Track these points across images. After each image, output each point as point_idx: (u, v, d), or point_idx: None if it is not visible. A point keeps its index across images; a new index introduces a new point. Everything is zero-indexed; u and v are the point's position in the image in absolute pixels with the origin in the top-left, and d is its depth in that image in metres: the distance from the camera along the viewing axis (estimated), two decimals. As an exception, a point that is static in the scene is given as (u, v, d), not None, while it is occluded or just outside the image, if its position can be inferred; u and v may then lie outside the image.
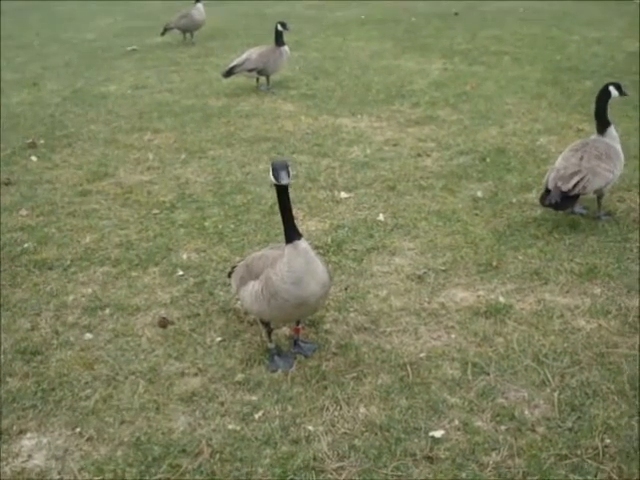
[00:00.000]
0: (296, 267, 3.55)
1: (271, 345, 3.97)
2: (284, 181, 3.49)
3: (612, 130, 5.45)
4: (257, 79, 9.42)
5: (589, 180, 5.08)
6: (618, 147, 5.42)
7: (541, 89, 8.93)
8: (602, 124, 5.44)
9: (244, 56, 9.19)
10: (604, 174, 5.19)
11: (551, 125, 7.48)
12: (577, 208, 5.44)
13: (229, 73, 9.18)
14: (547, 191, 5.16)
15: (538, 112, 8.04)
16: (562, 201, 5.05)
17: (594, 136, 5.52)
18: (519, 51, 11.18)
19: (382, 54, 11.38)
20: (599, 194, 5.35)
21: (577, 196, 5.12)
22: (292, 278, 3.55)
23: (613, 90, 5.40)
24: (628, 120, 7.57)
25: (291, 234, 3.59)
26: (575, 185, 5.05)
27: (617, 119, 7.31)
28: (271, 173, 3.53)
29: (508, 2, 16.20)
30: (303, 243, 3.60)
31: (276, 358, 3.92)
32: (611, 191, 5.81)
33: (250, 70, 9.12)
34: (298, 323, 4.05)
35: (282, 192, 3.60)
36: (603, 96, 5.42)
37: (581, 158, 5.20)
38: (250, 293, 3.78)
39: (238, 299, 4.16)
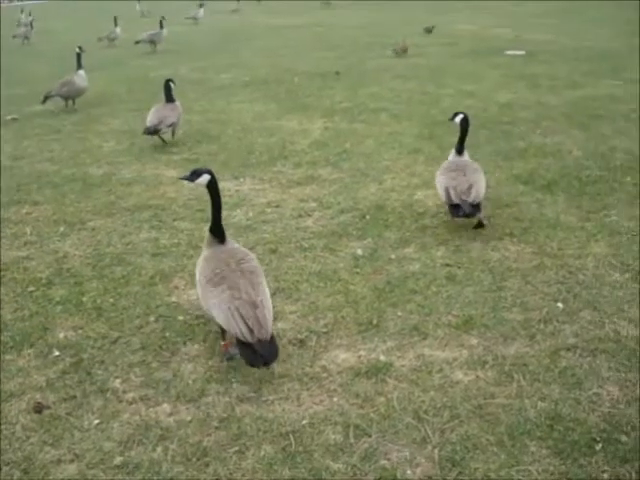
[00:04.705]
0: None
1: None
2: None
3: (466, 152, 6.68)
4: (173, 134, 9.82)
5: (479, 190, 6.11)
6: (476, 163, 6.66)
7: (418, 144, 9.25)
8: (462, 147, 6.63)
9: (157, 116, 9.50)
10: (483, 184, 6.27)
11: (427, 179, 7.71)
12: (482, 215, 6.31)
13: (155, 132, 9.46)
14: (453, 206, 6.05)
15: (415, 167, 8.31)
16: (472, 210, 5.99)
17: (454, 157, 6.65)
18: (396, 107, 11.57)
19: (265, 115, 11.54)
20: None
21: (479, 204, 6.08)
22: None
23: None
24: (500, 170, 7.93)
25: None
26: (476, 195, 6.03)
27: (490, 169, 7.73)
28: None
29: (386, 60, 16.86)
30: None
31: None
32: (485, 241, 6.06)
33: (170, 125, 9.54)
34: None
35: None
36: (467, 123, 6.62)
37: (464, 174, 6.20)
38: None
39: None
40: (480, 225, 6.29)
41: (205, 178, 4.58)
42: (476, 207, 6.04)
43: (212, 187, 4.63)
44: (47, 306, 5.36)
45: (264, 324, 4.10)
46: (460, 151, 6.63)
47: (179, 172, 8.52)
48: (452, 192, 6.04)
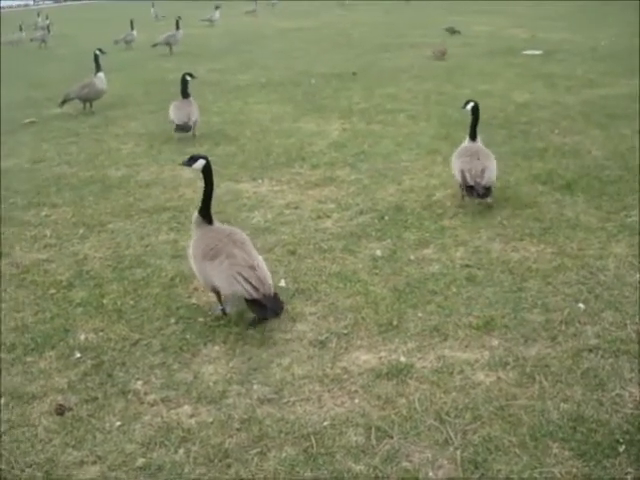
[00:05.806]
0: None
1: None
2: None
3: (479, 138, 7.09)
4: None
5: (492, 174, 6.62)
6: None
7: (435, 144, 9.22)
8: (475, 133, 7.04)
9: (184, 112, 9.86)
10: (494, 169, 6.74)
11: (446, 179, 7.70)
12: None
13: (189, 128, 9.87)
14: (468, 187, 6.55)
15: (433, 167, 8.28)
16: (485, 192, 6.51)
17: (469, 143, 7.03)
18: (414, 108, 11.55)
19: (282, 117, 11.55)
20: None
21: (490, 188, 6.59)
22: None
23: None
24: (519, 170, 7.88)
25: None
26: (488, 179, 6.53)
27: (509, 169, 7.71)
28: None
29: (402, 61, 16.83)
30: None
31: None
32: (505, 241, 6.03)
33: (195, 120, 9.97)
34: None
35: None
36: (477, 111, 7.00)
37: (479, 159, 6.66)
38: None
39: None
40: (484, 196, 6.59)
41: (201, 163, 5.04)
42: (488, 190, 6.53)
43: (207, 172, 5.02)
44: (68, 308, 5.39)
45: (265, 281, 4.66)
46: (473, 137, 7.04)
47: (197, 174, 8.51)
48: (467, 175, 6.53)
